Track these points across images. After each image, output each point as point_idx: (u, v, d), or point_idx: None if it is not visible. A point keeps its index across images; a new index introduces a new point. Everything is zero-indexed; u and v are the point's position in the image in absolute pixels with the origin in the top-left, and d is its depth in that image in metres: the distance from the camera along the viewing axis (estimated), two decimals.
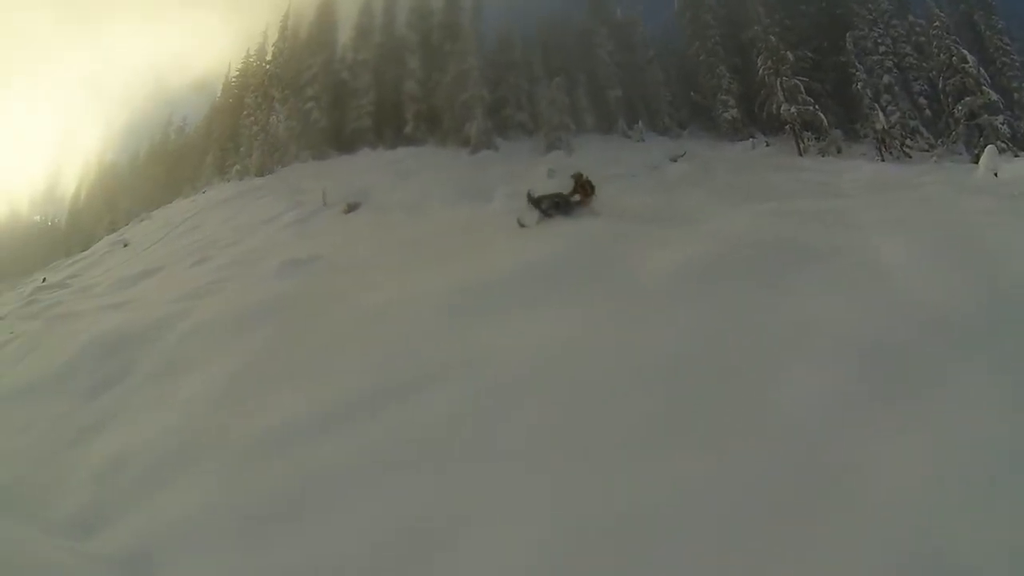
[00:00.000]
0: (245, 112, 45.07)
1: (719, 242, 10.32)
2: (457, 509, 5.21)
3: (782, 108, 32.33)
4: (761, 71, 34.19)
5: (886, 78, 33.79)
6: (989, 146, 15.81)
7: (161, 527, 5.94)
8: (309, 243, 17.85)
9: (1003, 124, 29.23)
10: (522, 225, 14.88)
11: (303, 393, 7.88)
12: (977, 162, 26.28)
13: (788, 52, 33.25)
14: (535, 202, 15.45)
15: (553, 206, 15.25)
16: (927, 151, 31.45)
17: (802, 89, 32.49)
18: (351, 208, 22.94)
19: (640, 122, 39.22)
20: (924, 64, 35.48)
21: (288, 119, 39.78)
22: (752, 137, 35.50)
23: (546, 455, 5.61)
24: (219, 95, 52.34)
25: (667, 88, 42.23)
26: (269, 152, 39.09)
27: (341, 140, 40.24)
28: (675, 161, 29.52)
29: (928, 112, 34.51)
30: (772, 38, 33.75)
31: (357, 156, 36.20)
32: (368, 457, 6.20)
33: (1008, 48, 36.31)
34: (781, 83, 32.60)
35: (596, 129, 38.47)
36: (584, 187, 15.74)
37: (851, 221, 11.53)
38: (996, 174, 14.60)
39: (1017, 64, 35.79)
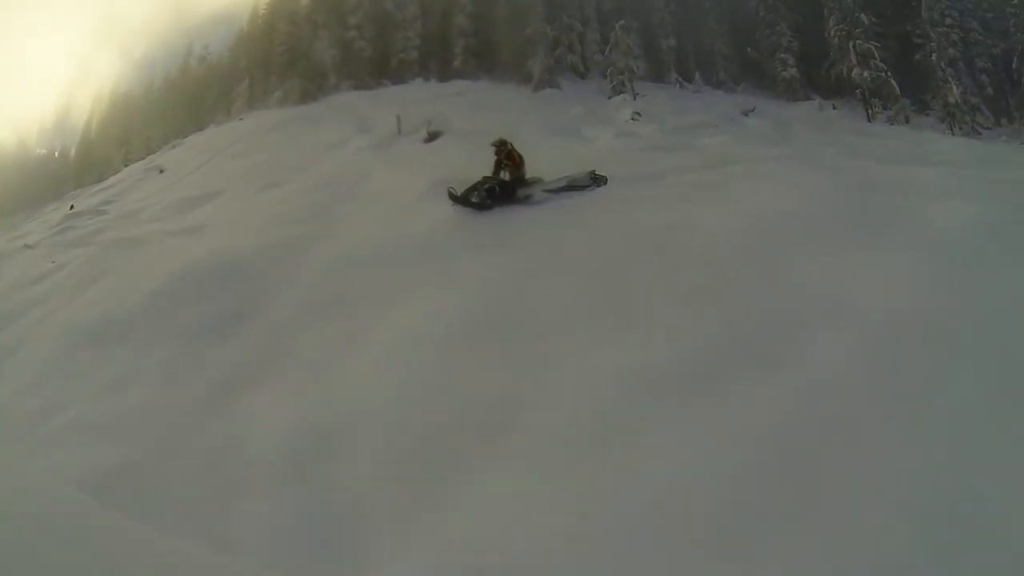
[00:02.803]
0: (278, 40, 43.70)
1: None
2: None
3: (853, 72, 31.31)
4: (833, 32, 33.09)
5: (951, 51, 33.00)
6: None
7: None
8: (414, 169, 16.44)
9: None
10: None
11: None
12: None
13: (863, 15, 32.24)
14: (462, 199, 12.30)
15: (488, 195, 12.17)
16: (989, 129, 30.99)
17: (875, 54, 31.52)
18: (433, 136, 21.61)
19: (697, 74, 38.34)
20: (988, 40, 34.82)
21: (331, 47, 38.42)
22: (809, 99, 34.69)
23: None
24: (246, 23, 50.53)
25: (722, 42, 40.85)
26: (311, 79, 37.71)
27: (384, 71, 39.08)
28: (747, 115, 28.55)
29: (989, 90, 33.96)
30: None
31: (409, 87, 34.95)
32: None
33: None
34: (854, 46, 31.53)
35: (647, 78, 37.16)
36: (513, 157, 12.71)
37: None
38: None
39: None
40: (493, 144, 12.94)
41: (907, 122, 30.08)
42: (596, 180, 12.29)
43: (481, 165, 13.52)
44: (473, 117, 24.38)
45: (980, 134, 29.14)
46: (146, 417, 7.85)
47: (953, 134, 28.48)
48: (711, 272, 6.95)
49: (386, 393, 6.79)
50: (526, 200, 12.22)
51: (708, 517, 4.11)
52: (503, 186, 12.34)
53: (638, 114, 24.24)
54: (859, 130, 27.17)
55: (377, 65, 39.54)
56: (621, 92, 32.85)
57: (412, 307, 8.42)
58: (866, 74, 30.92)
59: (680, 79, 38.44)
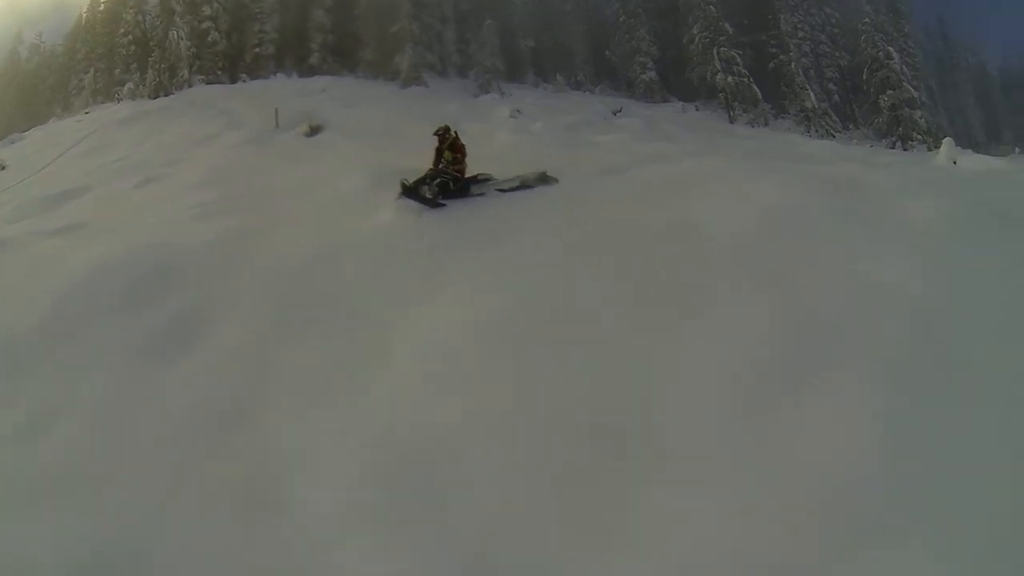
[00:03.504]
0: (123, 30, 41.42)
1: None
2: None
3: (717, 77, 33.05)
4: (697, 39, 34.76)
5: (803, 61, 35.50)
6: (947, 139, 16.58)
7: None
8: (314, 163, 15.81)
9: (921, 118, 31.33)
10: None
11: None
12: (894, 147, 28.41)
13: (726, 24, 34.01)
14: (412, 192, 10.55)
15: (441, 190, 10.69)
16: (840, 132, 33.47)
17: (738, 61, 33.36)
18: (315, 130, 21.00)
19: (559, 75, 39.25)
20: (836, 53, 37.78)
21: (184, 38, 36.68)
22: (667, 100, 36.38)
23: None
24: (86, 11, 47.38)
25: (580, 44, 42.28)
26: (165, 72, 35.84)
27: (238, 65, 37.84)
28: (616, 115, 29.44)
29: (836, 98, 36.70)
30: (712, 8, 34.40)
31: (271, 81, 33.92)
32: None
33: (913, 52, 39.13)
34: (719, 52, 33.28)
35: (506, 77, 37.80)
36: (458, 147, 11.47)
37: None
38: (955, 162, 15.21)
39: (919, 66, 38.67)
40: (437, 132, 11.59)
41: (766, 124, 31.97)
42: (546, 180, 11.27)
43: (382, 157, 13.19)
44: (348, 112, 24.17)
45: (835, 136, 31.33)
46: (93, 480, 5.78)
47: (810, 136, 30.38)
48: (747, 264, 6.71)
49: (467, 410, 5.56)
50: (476, 197, 10.93)
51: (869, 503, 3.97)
52: (455, 182, 10.95)
53: (518, 111, 24.54)
54: (726, 131, 28.86)
55: (231, 59, 38.25)
56: (488, 91, 33.22)
57: (431, 311, 7.11)
58: (730, 79, 32.78)
59: (540, 80, 39.30)
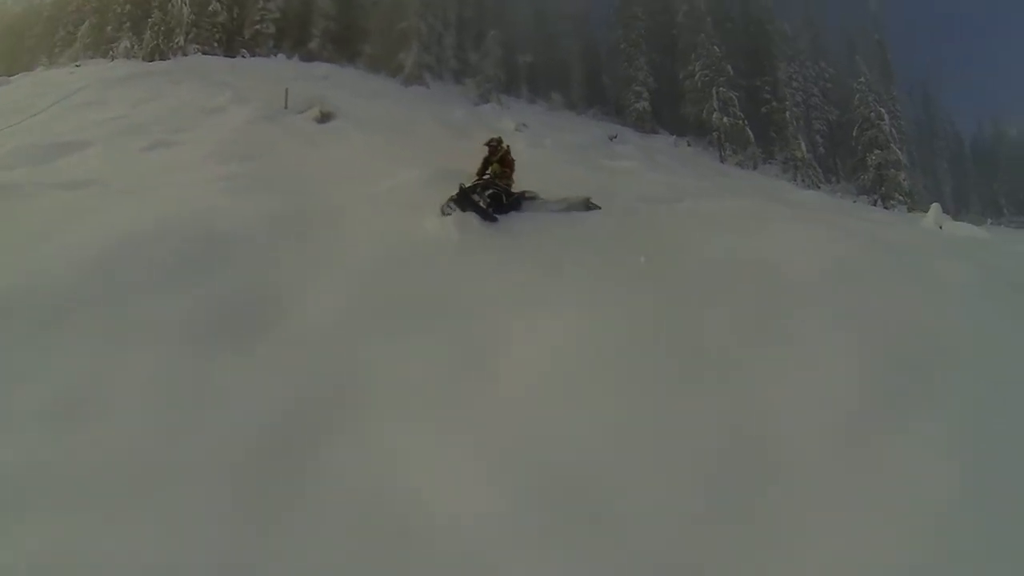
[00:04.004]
0: None
1: None
2: None
3: (714, 116, 33.97)
4: (697, 76, 35.67)
5: (795, 111, 36.68)
6: (935, 204, 17.71)
7: None
8: (333, 152, 15.75)
9: (904, 180, 32.72)
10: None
11: None
12: (875, 204, 29.63)
13: (728, 65, 35.00)
14: (465, 196, 9.78)
15: (493, 202, 10.00)
16: (823, 184, 34.71)
17: (735, 103, 34.34)
18: (326, 117, 21.21)
19: (553, 93, 39.86)
20: (825, 106, 39.07)
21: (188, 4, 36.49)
22: (656, 131, 37.20)
23: None
24: None
25: (577, 66, 42.85)
26: (163, 36, 35.59)
27: (236, 41, 37.67)
28: (612, 140, 30.09)
29: (822, 150, 37.94)
30: (716, 48, 35.36)
31: (271, 61, 33.82)
32: None
33: (899, 115, 40.65)
34: (718, 92, 34.23)
35: (502, 89, 38.27)
36: (508, 161, 10.88)
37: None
38: (941, 227, 16.07)
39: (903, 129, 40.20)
40: (489, 142, 11.03)
41: (755, 168, 32.95)
42: (589, 207, 10.78)
43: (405, 153, 13.35)
44: (355, 102, 24.15)
45: (819, 187, 32.45)
46: (160, 479, 5.11)
47: (797, 184, 31.47)
48: (828, 303, 7.14)
49: (601, 423, 5.61)
50: (524, 213, 10.33)
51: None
52: (508, 196, 10.32)
53: (524, 125, 24.98)
54: (719, 170, 29.73)
55: (229, 32, 38.06)
56: (487, 100, 33.67)
57: (526, 326, 7.04)
58: (725, 119, 33.60)
59: (534, 96, 39.84)
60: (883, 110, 34.34)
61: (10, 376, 6.15)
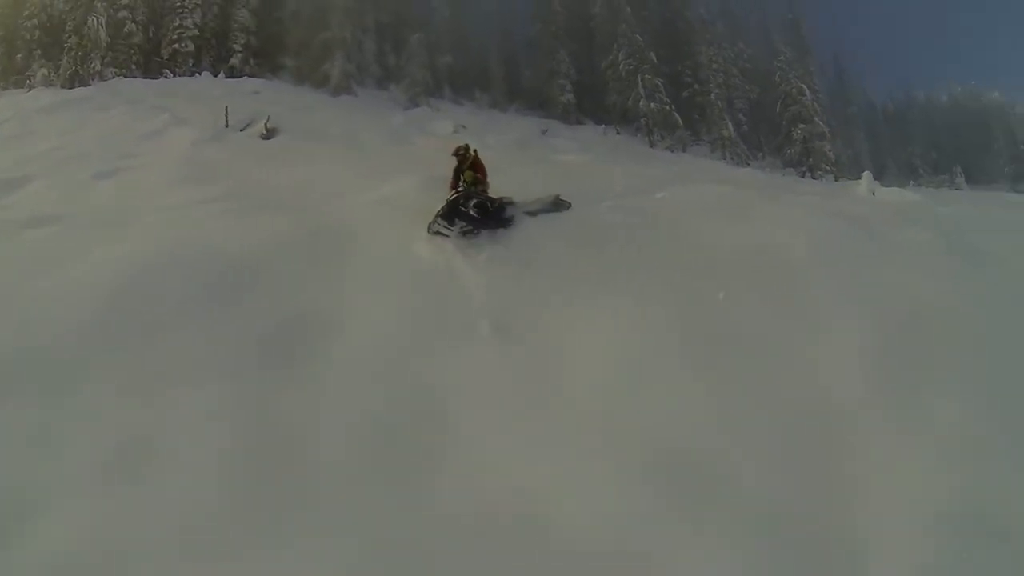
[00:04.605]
0: (27, 12, 40.19)
1: None
2: None
3: (641, 103, 35.17)
4: (622, 65, 36.81)
5: (714, 94, 38.19)
6: (866, 172, 18.91)
7: None
8: (299, 168, 15.41)
9: (830, 151, 34.49)
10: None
11: None
12: (803, 176, 31.22)
13: (652, 53, 36.23)
14: (452, 212, 9.60)
15: (480, 213, 9.70)
16: (752, 161, 36.28)
17: (661, 89, 35.61)
18: (271, 132, 21.56)
19: (478, 92, 40.58)
20: (746, 86, 40.75)
21: (101, 26, 36.02)
22: (580, 123, 38.26)
23: None
24: None
25: (496, 63, 43.85)
26: (80, 61, 35.18)
27: (153, 61, 37.39)
28: (544, 134, 31.04)
29: (745, 128, 39.57)
30: (638, 37, 36.55)
31: (197, 80, 33.65)
32: None
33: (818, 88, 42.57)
34: (643, 80, 35.42)
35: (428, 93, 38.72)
36: (480, 166, 10.81)
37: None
38: (874, 193, 17.20)
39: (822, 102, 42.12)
40: (457, 152, 10.94)
41: (684, 151, 34.30)
42: (559, 205, 10.72)
43: (366, 164, 13.83)
44: (294, 116, 24.41)
45: (749, 164, 33.91)
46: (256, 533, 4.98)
47: (727, 163, 32.90)
48: (829, 278, 8.13)
49: (702, 408, 6.17)
50: (507, 223, 10.01)
51: None
52: (492, 203, 9.96)
53: (462, 126, 25.70)
54: (651, 155, 30.83)
55: (146, 53, 37.71)
56: (417, 104, 34.18)
57: (581, 329, 7.32)
58: (652, 105, 34.79)
59: (458, 97, 40.43)
60: (803, 85, 36.23)
61: (59, 439, 5.86)
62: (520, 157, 19.50)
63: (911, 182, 36.41)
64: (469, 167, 10.65)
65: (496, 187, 10.74)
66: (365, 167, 14.84)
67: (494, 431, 5.96)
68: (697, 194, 11.97)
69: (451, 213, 9.50)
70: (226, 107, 22.99)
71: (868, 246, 9.12)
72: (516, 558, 4.75)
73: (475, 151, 11.04)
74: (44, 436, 5.88)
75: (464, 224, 9.49)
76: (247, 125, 22.50)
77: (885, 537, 4.87)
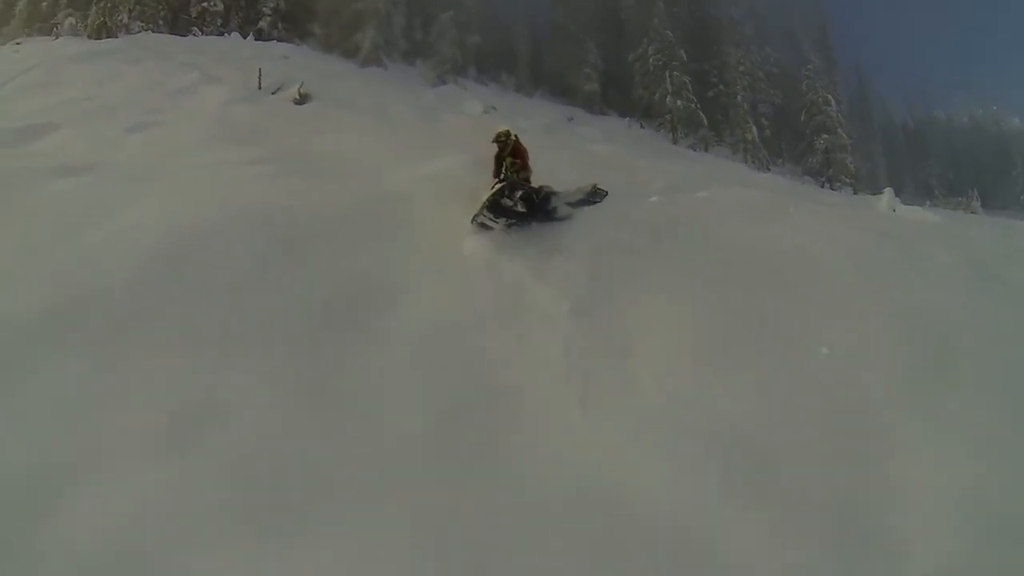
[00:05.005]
0: None
1: None
2: None
3: (668, 99, 35.41)
4: (651, 60, 37.02)
5: (740, 96, 38.44)
6: (888, 188, 19.28)
7: None
8: (335, 136, 15.29)
9: (851, 163, 34.87)
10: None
11: None
12: (823, 187, 31.51)
13: (681, 51, 36.44)
14: (495, 207, 9.21)
15: (525, 204, 9.41)
16: (773, 167, 36.60)
17: (688, 87, 35.84)
18: (304, 98, 21.69)
19: (504, 75, 40.62)
20: (771, 90, 40.96)
21: None
22: (604, 114, 38.42)
23: None
24: None
25: (525, 47, 43.79)
26: (108, 12, 35.25)
27: (181, 19, 37.44)
28: (570, 121, 31.21)
29: (767, 132, 39.81)
30: (669, 33, 36.76)
31: (226, 40, 33.66)
32: None
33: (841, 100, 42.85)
34: (671, 76, 35.66)
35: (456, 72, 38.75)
36: (521, 153, 10.31)
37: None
38: (894, 210, 17.42)
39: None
40: (498, 137, 10.42)
41: (707, 150, 34.52)
42: (597, 194, 10.67)
43: (401, 136, 14.23)
44: (324, 84, 24.37)
45: (770, 170, 34.18)
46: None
47: (747, 166, 33.19)
48: (862, 284, 8.67)
49: (753, 397, 6.64)
50: (554, 215, 9.86)
51: None
52: (537, 194, 9.63)
53: (493, 108, 25.88)
54: (675, 152, 31.00)
55: (174, 10, 37.74)
56: (445, 82, 34.27)
57: (654, 310, 7.72)
58: (679, 103, 34.97)
59: (484, 78, 40.43)
60: (829, 96, 36.70)
61: (108, 402, 5.76)
62: (549, 143, 19.28)
63: (927, 201, 36.86)
64: (510, 153, 10.21)
65: (536, 175, 10.50)
66: (404, 141, 14.89)
67: (566, 410, 6.24)
68: (736, 196, 12.21)
69: (496, 205, 9.19)
70: (259, 69, 23.10)
71: (900, 262, 9.47)
72: (608, 541, 4.99)
73: (516, 136, 10.49)
74: (92, 399, 5.78)
75: (510, 219, 9.32)
76: (278, 89, 22.56)
77: (916, 524, 5.28)
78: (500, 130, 10.46)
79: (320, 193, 10.00)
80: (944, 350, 7.31)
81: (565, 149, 18.31)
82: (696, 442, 5.92)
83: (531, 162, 10.30)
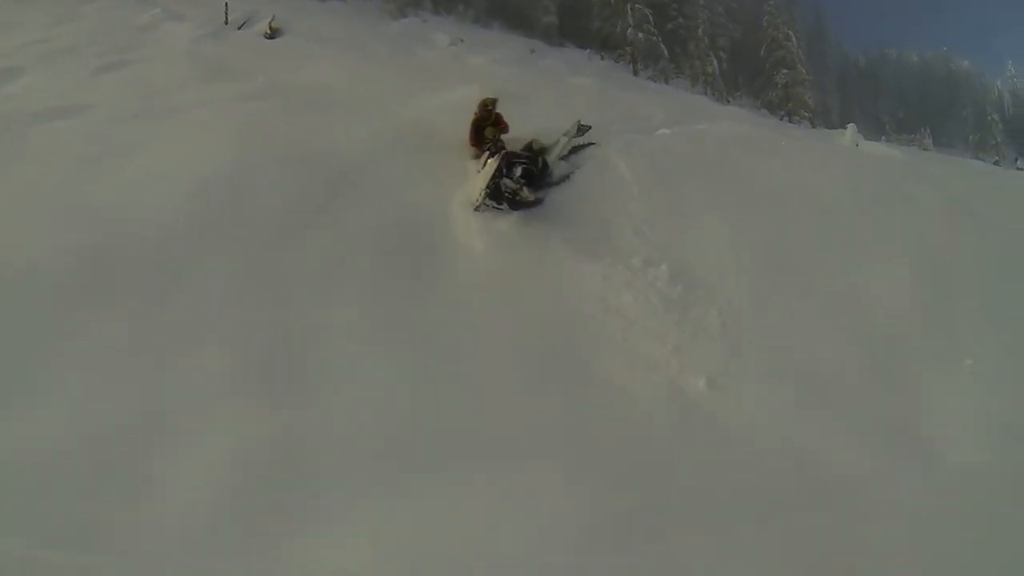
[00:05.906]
0: None
1: None
2: None
3: (628, 31, 35.86)
4: None
5: (701, 29, 39.10)
6: (851, 124, 20.21)
7: None
8: (319, 68, 15.13)
9: (809, 98, 35.93)
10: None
11: None
12: (781, 120, 32.49)
13: None
14: (497, 193, 8.92)
15: (527, 177, 9.12)
16: (732, 100, 37.49)
17: (649, 19, 36.30)
18: (275, 32, 21.50)
19: (463, 7, 40.31)
20: (729, 24, 41.71)
21: None
22: (562, 45, 38.28)
23: None
24: None
25: None
26: None
27: None
28: (532, 53, 31.38)
29: (725, 65, 40.66)
30: None
31: None
32: None
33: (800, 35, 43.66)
34: (632, 9, 36.05)
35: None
36: (502, 123, 10.14)
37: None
38: (857, 145, 18.22)
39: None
40: (486, 105, 10.24)
41: (667, 82, 35.16)
42: (581, 130, 10.49)
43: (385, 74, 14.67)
44: (289, 18, 23.67)
45: (729, 102, 35.01)
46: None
47: (708, 98, 33.96)
48: (873, 219, 9.86)
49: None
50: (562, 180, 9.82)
51: None
52: (536, 166, 9.50)
53: (461, 40, 26.08)
54: (637, 83, 31.32)
55: None
56: (405, 15, 34.09)
57: (705, 240, 8.99)
58: (640, 35, 35.44)
59: (440, 10, 39.96)
60: (790, 32, 37.67)
61: (182, 349, 5.70)
62: (532, 79, 19.48)
63: (882, 137, 38.08)
64: (492, 123, 10.03)
65: (528, 115, 10.67)
66: (393, 74, 15.34)
67: (648, 339, 7.21)
68: (728, 129, 12.97)
69: (498, 190, 8.92)
70: (225, 3, 22.91)
71: (893, 198, 10.57)
72: (711, 457, 6.00)
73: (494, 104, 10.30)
74: (162, 346, 5.70)
75: (516, 207, 9.06)
76: (243, 23, 22.48)
77: (946, 432, 6.64)
78: (488, 98, 10.29)
79: (343, 127, 10.17)
80: (946, 282, 8.63)
81: (547, 84, 18.54)
82: (769, 359, 7.25)
83: (527, 107, 10.92)
